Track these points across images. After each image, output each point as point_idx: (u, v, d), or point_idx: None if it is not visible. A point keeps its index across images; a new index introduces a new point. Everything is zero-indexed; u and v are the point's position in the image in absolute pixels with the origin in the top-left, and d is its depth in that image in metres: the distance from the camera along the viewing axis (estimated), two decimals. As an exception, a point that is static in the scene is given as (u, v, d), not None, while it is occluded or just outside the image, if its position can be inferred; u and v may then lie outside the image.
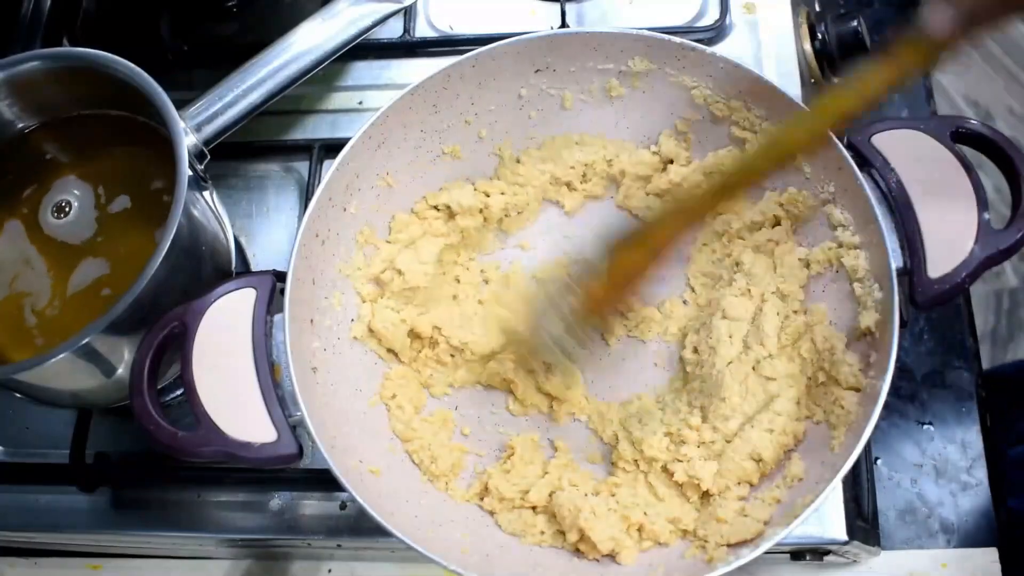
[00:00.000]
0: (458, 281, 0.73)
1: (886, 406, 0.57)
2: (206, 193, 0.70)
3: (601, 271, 0.63)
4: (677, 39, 0.69)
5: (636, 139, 0.75)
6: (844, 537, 0.64)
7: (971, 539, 0.71)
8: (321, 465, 0.60)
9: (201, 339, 0.60)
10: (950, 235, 0.60)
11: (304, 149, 0.80)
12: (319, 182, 0.68)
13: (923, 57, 0.52)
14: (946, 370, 0.77)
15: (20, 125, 0.73)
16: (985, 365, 0.78)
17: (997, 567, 0.70)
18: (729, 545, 0.59)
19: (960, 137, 0.63)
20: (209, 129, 0.70)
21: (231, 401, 0.59)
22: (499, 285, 0.74)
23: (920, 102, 0.86)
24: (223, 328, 0.61)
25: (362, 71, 0.84)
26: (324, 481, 0.67)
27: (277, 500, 0.71)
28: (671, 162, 0.73)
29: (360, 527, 0.70)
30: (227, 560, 0.77)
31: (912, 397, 0.77)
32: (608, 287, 0.63)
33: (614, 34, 0.70)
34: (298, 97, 0.81)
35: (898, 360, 0.58)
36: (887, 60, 0.52)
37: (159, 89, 0.66)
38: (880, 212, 0.61)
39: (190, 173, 0.64)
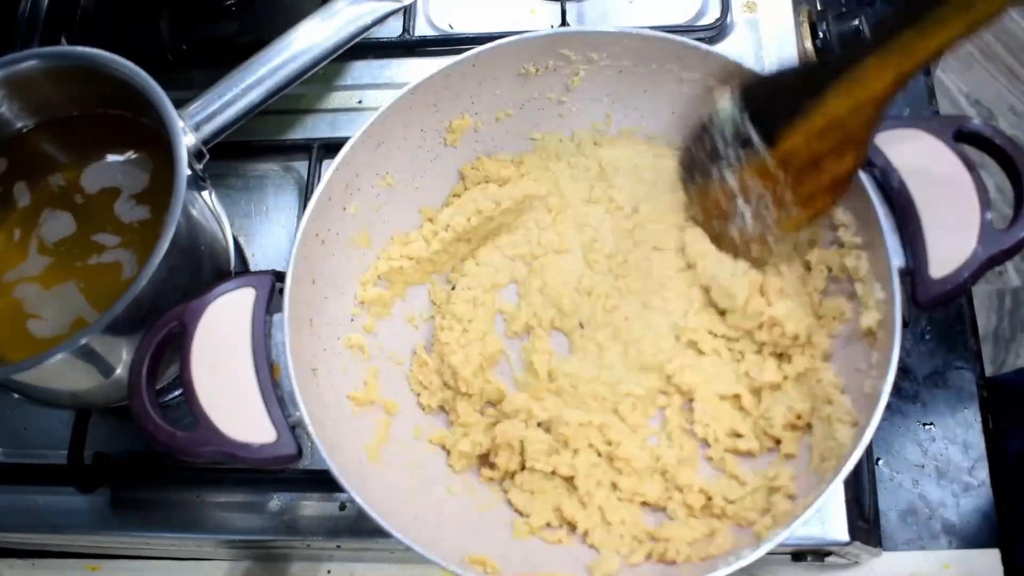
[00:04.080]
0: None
1: (887, 406, 0.57)
2: (205, 193, 0.69)
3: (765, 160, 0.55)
4: (678, 38, 0.69)
5: (636, 138, 0.75)
6: (845, 538, 0.64)
7: (973, 540, 0.71)
8: (321, 465, 0.59)
9: (200, 339, 0.60)
10: (952, 235, 0.60)
11: (303, 149, 0.80)
12: (318, 182, 0.68)
13: None
14: (948, 370, 0.77)
15: (19, 125, 0.73)
16: (987, 365, 0.78)
17: (999, 568, 0.70)
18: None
19: (962, 137, 0.63)
20: (208, 128, 0.70)
21: (230, 401, 0.59)
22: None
23: (922, 101, 0.86)
24: (222, 328, 0.61)
25: (361, 70, 0.84)
26: (324, 481, 0.67)
27: (277, 501, 0.71)
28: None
29: (360, 527, 0.69)
30: (226, 561, 0.77)
31: (914, 397, 0.76)
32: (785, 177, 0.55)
33: (614, 33, 0.70)
34: (297, 96, 0.81)
35: (900, 360, 0.58)
36: None
37: (158, 88, 0.66)
38: (882, 212, 0.61)
39: (189, 173, 0.64)
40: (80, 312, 0.68)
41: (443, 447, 0.69)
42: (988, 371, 0.77)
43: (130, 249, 0.69)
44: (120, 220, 0.70)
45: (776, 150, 0.56)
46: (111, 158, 0.73)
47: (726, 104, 0.58)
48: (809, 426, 0.64)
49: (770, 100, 0.57)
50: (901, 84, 0.52)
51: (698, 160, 0.61)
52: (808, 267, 0.67)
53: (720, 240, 0.62)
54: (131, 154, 0.72)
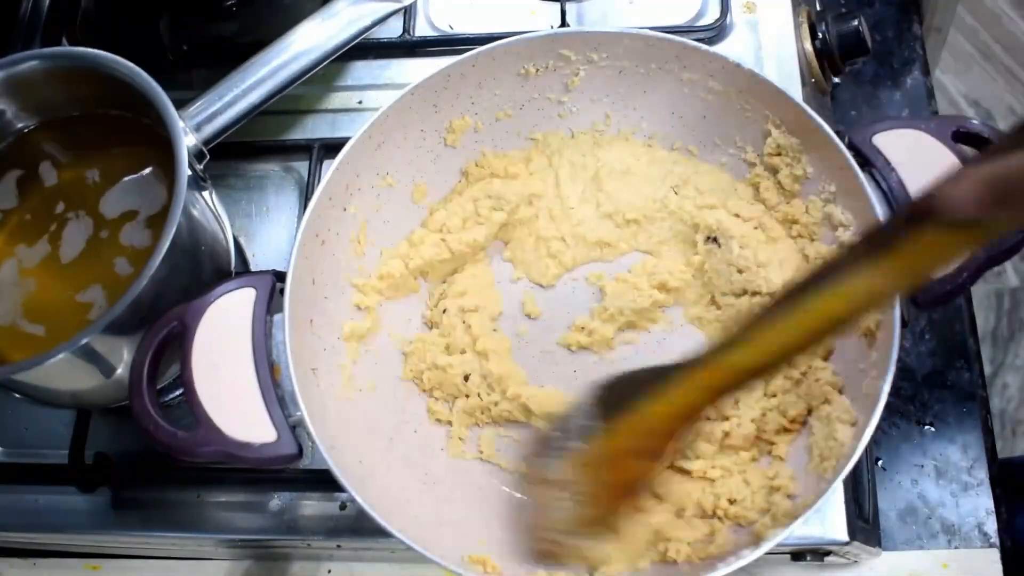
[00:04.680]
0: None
1: (887, 407, 0.57)
2: (205, 193, 0.69)
3: (603, 444, 0.58)
4: (677, 39, 0.69)
5: (636, 139, 0.75)
6: (845, 538, 0.64)
7: (972, 540, 0.71)
8: (321, 465, 0.59)
9: (201, 339, 0.60)
10: (951, 235, 0.60)
11: (304, 149, 0.80)
12: (319, 182, 0.68)
13: (946, 246, 0.43)
14: (947, 370, 0.77)
15: (19, 125, 0.73)
16: (986, 365, 0.78)
17: (998, 567, 0.70)
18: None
19: (961, 137, 0.63)
20: (209, 129, 0.70)
21: (231, 401, 0.59)
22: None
23: (921, 102, 0.86)
24: (223, 328, 0.61)
25: (362, 71, 0.84)
26: (324, 481, 0.67)
27: (277, 500, 0.71)
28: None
29: (360, 527, 0.69)
30: (227, 561, 0.77)
31: (913, 397, 0.76)
32: (613, 468, 0.58)
33: (614, 33, 0.70)
34: (297, 97, 0.81)
35: (899, 360, 0.58)
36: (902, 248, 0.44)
37: (159, 89, 0.66)
38: (881, 212, 0.61)
39: (189, 173, 0.64)
40: (14, 318, 0.69)
41: (444, 442, 0.69)
42: (987, 371, 0.77)
43: (107, 290, 0.68)
44: (124, 245, 0.70)
45: (605, 439, 0.59)
46: (112, 158, 0.73)
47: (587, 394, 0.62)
48: (802, 425, 0.64)
49: (616, 394, 0.60)
50: (704, 402, 0.56)
51: (547, 440, 0.63)
52: (807, 260, 0.68)
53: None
54: (132, 154, 0.72)
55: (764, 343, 0.52)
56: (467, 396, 0.69)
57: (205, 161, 0.70)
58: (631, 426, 0.58)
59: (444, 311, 0.72)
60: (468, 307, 0.71)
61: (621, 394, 0.59)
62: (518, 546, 0.64)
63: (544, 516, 0.62)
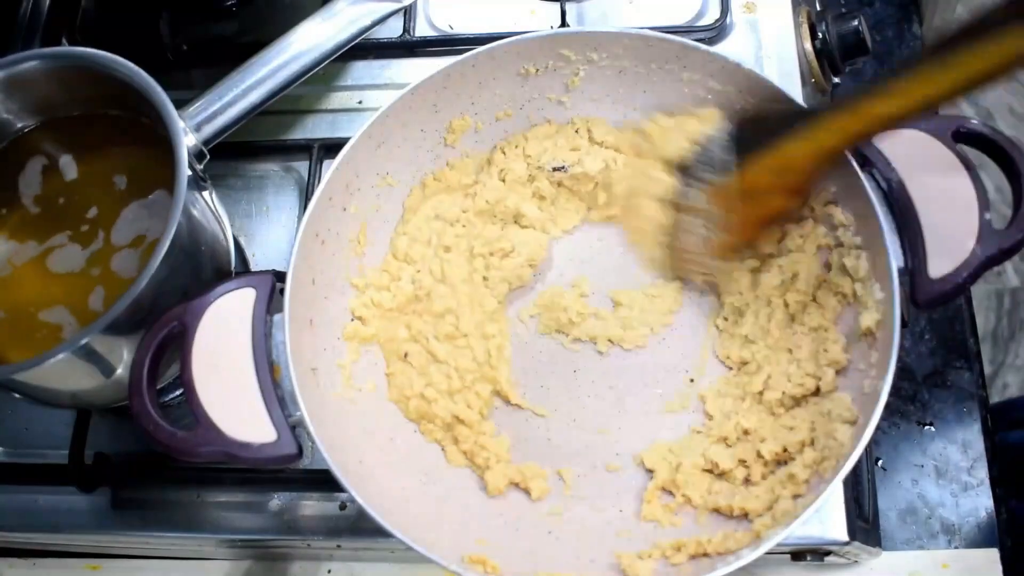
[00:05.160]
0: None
1: (887, 406, 0.57)
2: (205, 193, 0.69)
3: (728, 187, 0.61)
4: (678, 39, 0.69)
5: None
6: (845, 538, 0.64)
7: (972, 539, 0.71)
8: (321, 465, 0.60)
9: (200, 339, 0.60)
10: (951, 235, 0.60)
11: (303, 149, 0.80)
12: (319, 182, 0.68)
13: None
14: (947, 370, 0.77)
15: (19, 125, 0.73)
16: (986, 365, 0.78)
17: (998, 567, 0.70)
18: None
19: (961, 137, 0.63)
20: (209, 129, 0.70)
21: (231, 401, 0.59)
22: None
23: (921, 102, 0.86)
24: (222, 328, 0.61)
25: (361, 71, 0.84)
26: (324, 481, 0.67)
27: (277, 500, 0.71)
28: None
29: (360, 527, 0.70)
30: (227, 560, 0.77)
31: (913, 397, 0.76)
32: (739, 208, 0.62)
33: (614, 34, 0.70)
34: (297, 97, 0.81)
35: (899, 360, 0.58)
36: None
37: (159, 89, 0.66)
38: (881, 212, 0.61)
39: (189, 173, 0.64)
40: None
41: (441, 446, 0.69)
42: (987, 371, 0.77)
43: (74, 313, 0.68)
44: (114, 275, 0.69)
45: (742, 176, 0.62)
46: (112, 158, 0.72)
47: (722, 128, 0.64)
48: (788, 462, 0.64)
49: (751, 133, 0.63)
50: (845, 145, 0.59)
51: (685, 171, 0.66)
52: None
53: (669, 250, 0.69)
54: (132, 154, 0.72)
55: (908, 95, 0.53)
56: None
57: (205, 161, 0.70)
58: (770, 163, 0.61)
59: (406, 355, 0.70)
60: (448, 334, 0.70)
61: (757, 131, 0.62)
62: (518, 546, 0.64)
63: (684, 239, 0.65)
